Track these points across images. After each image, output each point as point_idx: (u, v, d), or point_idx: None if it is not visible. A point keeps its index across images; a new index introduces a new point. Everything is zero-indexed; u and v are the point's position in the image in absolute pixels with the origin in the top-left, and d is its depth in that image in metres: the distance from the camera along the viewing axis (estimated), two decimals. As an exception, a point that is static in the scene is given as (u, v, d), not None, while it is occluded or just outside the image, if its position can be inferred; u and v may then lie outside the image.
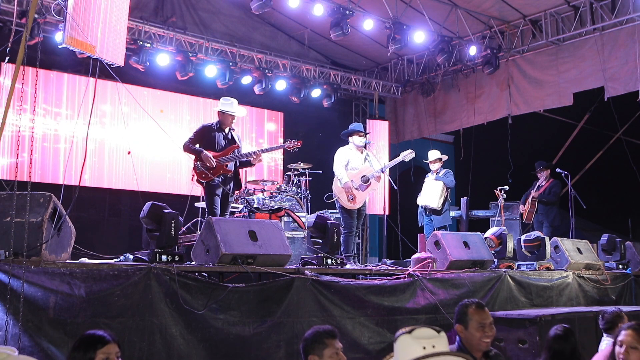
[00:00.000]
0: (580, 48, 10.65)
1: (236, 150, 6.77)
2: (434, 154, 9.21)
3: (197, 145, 6.67)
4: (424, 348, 2.00)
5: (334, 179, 7.38)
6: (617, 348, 3.53)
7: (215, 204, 6.56)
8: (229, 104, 6.84)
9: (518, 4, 10.53)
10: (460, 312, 3.61)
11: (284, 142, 7.23)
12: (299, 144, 7.08)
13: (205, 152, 6.52)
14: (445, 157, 9.22)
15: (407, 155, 7.74)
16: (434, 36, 10.58)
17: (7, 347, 2.06)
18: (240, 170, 6.99)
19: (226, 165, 6.62)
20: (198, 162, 6.54)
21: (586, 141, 12.85)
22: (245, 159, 6.83)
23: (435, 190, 8.90)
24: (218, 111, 6.86)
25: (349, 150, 7.46)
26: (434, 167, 9.13)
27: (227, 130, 6.82)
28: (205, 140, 6.71)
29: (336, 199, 7.33)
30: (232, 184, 6.76)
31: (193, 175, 6.63)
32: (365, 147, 7.60)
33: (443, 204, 8.88)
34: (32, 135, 8.75)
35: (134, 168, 10.46)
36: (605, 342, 4.68)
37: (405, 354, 2.02)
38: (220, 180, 6.58)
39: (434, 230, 8.59)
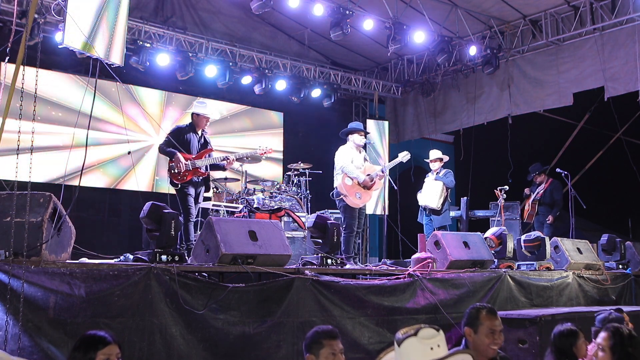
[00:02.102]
0: (580, 48, 10.65)
1: (211, 154, 6.82)
2: (435, 154, 9.21)
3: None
4: (432, 349, 2.02)
5: (338, 177, 7.31)
6: (600, 353, 3.42)
7: (190, 203, 6.57)
8: (204, 107, 6.84)
9: (518, 4, 10.52)
10: (471, 316, 3.54)
11: (257, 149, 7.25)
12: (269, 151, 7.20)
13: (178, 154, 6.51)
14: (446, 158, 9.22)
15: (404, 156, 7.74)
16: (434, 36, 10.58)
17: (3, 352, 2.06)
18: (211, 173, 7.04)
19: (199, 168, 6.63)
20: (172, 164, 6.55)
21: (586, 141, 12.85)
22: (217, 163, 6.87)
23: (435, 190, 8.89)
24: (192, 113, 6.85)
25: (351, 150, 7.44)
26: (434, 166, 9.12)
27: (200, 132, 6.85)
28: (181, 142, 6.69)
29: (341, 198, 7.26)
30: (202, 188, 6.79)
31: (169, 178, 6.61)
32: (364, 146, 7.60)
33: (443, 204, 8.87)
34: (32, 135, 8.72)
35: (134, 168, 10.47)
36: None
37: (414, 357, 2.04)
38: (193, 183, 6.59)
39: (434, 230, 8.59)
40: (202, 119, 6.81)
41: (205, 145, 6.85)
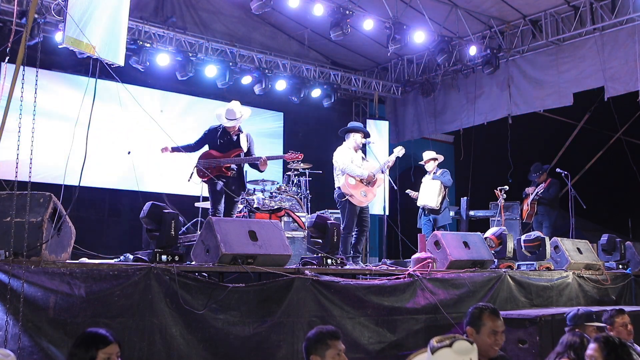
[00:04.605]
0: (580, 48, 10.65)
1: (240, 154, 6.85)
2: (427, 155, 9.23)
3: (207, 146, 6.91)
4: None
5: (340, 178, 7.28)
6: None
7: (216, 202, 6.69)
8: (229, 112, 6.84)
9: (518, 4, 10.53)
10: (474, 316, 3.58)
11: (286, 153, 7.20)
12: (299, 156, 7.05)
13: (200, 160, 6.71)
14: (440, 157, 9.22)
15: (399, 151, 7.71)
16: (434, 36, 10.58)
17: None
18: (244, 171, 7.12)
19: (227, 167, 6.70)
20: (201, 160, 6.75)
21: (586, 141, 12.84)
22: (253, 163, 6.91)
23: (433, 189, 8.90)
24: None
25: (349, 150, 7.44)
26: (430, 167, 9.14)
27: (232, 133, 6.89)
28: (211, 141, 6.91)
29: (345, 199, 7.22)
30: (234, 187, 6.81)
31: (192, 173, 6.74)
32: (363, 146, 7.61)
33: (441, 203, 8.88)
34: (32, 135, 8.70)
35: (134, 168, 10.44)
36: None
37: None
38: (224, 182, 6.67)
39: (434, 229, 8.59)
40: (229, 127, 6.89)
41: (235, 145, 6.87)
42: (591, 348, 3.43)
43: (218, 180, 6.66)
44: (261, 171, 7.06)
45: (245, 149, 6.92)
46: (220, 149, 6.82)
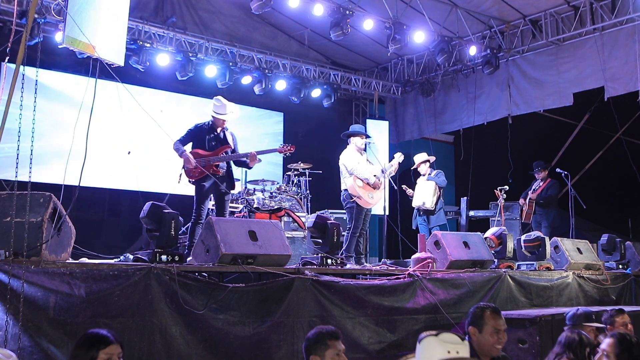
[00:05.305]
0: (580, 48, 10.65)
1: (228, 151, 6.70)
2: (418, 158, 9.22)
3: (190, 145, 6.67)
4: (449, 352, 2.04)
5: (348, 180, 7.25)
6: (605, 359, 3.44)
7: (203, 204, 6.50)
8: (220, 107, 6.73)
9: (518, 4, 10.53)
10: (476, 315, 3.60)
11: (279, 146, 7.12)
12: (292, 149, 6.97)
13: (187, 153, 6.46)
14: (432, 158, 9.22)
15: (399, 157, 7.73)
16: (434, 36, 10.58)
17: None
18: (234, 170, 6.93)
19: (216, 165, 6.54)
20: (184, 161, 6.55)
21: (586, 141, 12.84)
22: (240, 160, 6.76)
23: (427, 190, 8.91)
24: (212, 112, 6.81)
25: (355, 152, 7.44)
26: (423, 169, 9.15)
27: (219, 130, 6.74)
28: (197, 139, 6.68)
29: (353, 200, 7.21)
30: (225, 185, 6.64)
31: (180, 175, 6.59)
32: (365, 148, 7.62)
33: (436, 204, 8.88)
34: (32, 135, 8.67)
35: (134, 168, 10.45)
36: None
37: (429, 355, 2.07)
38: (212, 182, 6.49)
39: (429, 230, 8.60)
40: (219, 120, 6.73)
41: (223, 142, 6.72)
42: (606, 343, 3.43)
43: (208, 180, 6.47)
44: (250, 167, 6.95)
45: (232, 146, 6.78)
46: (207, 147, 6.63)
